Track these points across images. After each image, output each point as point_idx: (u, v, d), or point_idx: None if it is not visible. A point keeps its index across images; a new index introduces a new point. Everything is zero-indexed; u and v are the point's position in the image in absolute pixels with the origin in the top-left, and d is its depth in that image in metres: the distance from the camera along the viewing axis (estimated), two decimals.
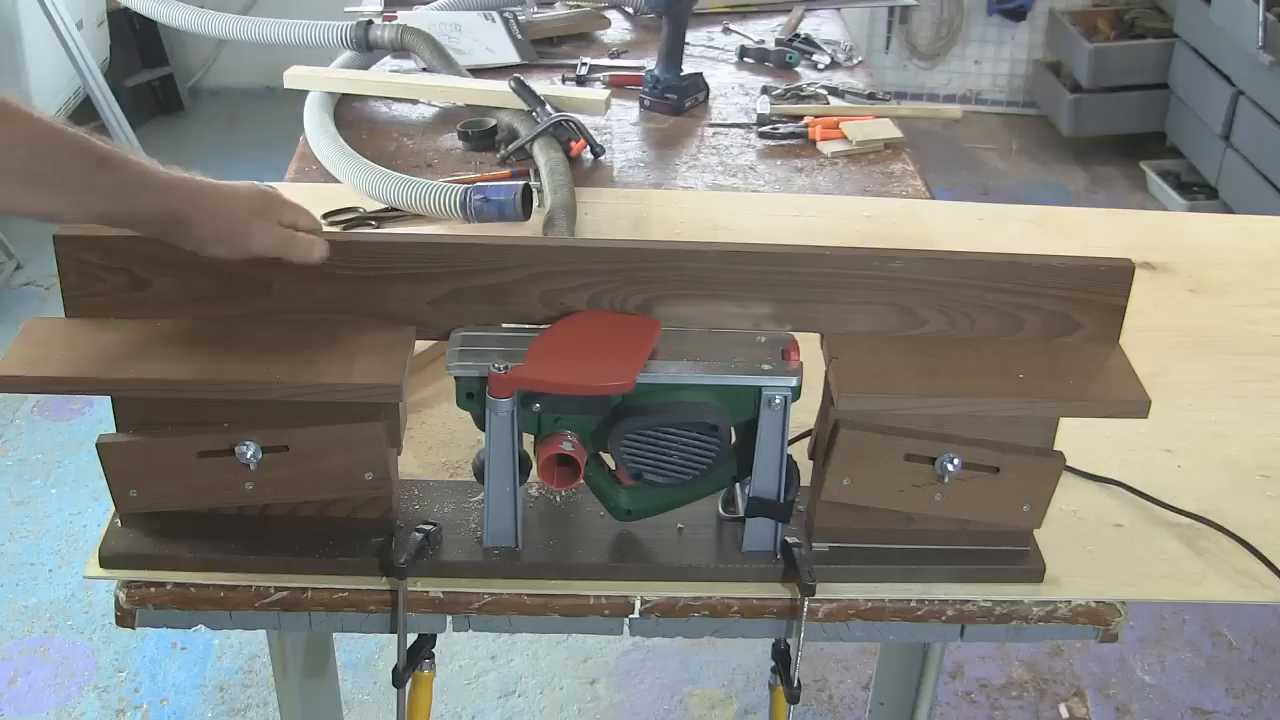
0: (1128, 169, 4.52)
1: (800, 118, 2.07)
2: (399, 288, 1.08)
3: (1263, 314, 1.58)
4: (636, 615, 1.11)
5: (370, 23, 2.11)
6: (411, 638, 1.13)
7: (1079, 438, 1.20)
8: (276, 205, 1.08)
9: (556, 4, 2.50)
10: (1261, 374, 1.46)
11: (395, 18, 2.27)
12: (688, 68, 2.13)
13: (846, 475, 1.08)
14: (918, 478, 1.09)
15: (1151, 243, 1.71)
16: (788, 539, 1.12)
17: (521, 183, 1.66)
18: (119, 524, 1.12)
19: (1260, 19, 3.66)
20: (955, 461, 1.07)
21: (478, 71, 2.13)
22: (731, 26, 2.51)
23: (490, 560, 1.12)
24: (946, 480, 1.08)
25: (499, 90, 1.95)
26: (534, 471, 1.09)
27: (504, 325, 1.10)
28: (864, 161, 1.96)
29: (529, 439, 1.09)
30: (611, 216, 1.73)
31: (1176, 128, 4.42)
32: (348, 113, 2.04)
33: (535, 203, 1.68)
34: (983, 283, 1.09)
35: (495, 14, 2.35)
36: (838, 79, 2.26)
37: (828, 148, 1.98)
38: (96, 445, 1.05)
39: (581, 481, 1.09)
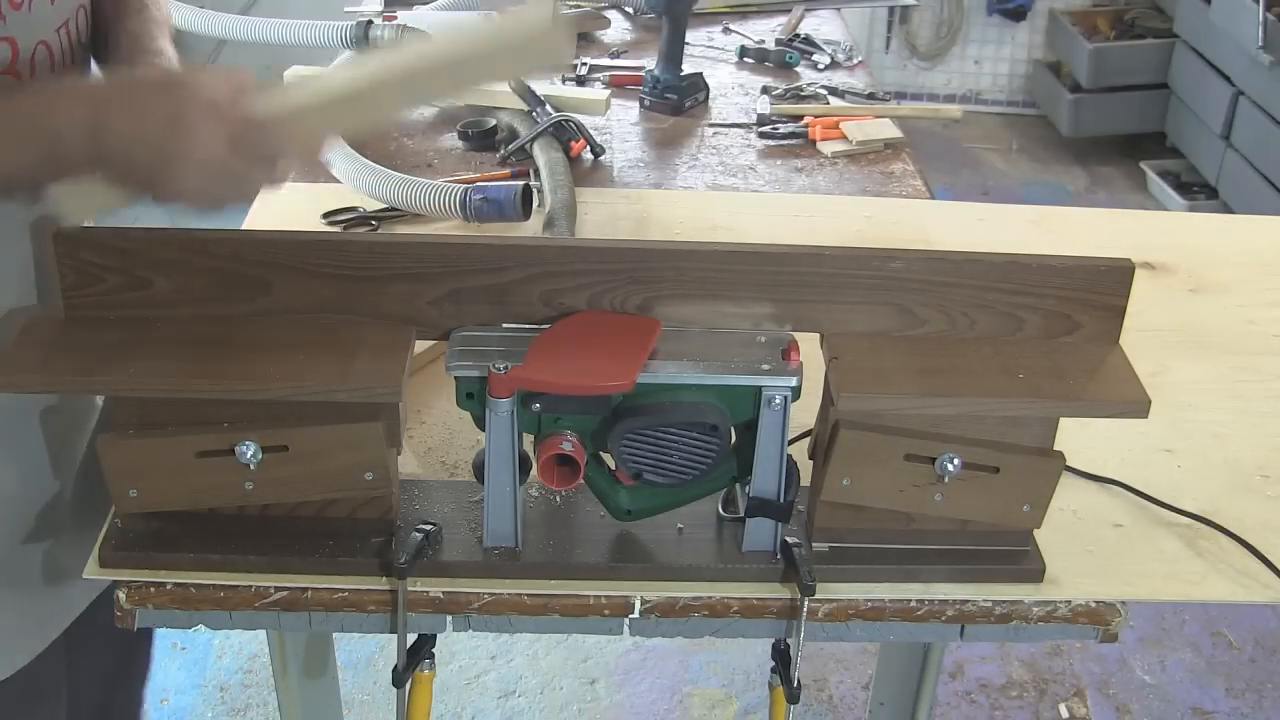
0: (1128, 169, 4.52)
1: (800, 118, 2.07)
2: (399, 288, 1.08)
3: (1263, 314, 1.58)
4: (636, 615, 1.11)
5: (370, 23, 2.10)
6: (411, 638, 1.13)
7: (1079, 438, 1.20)
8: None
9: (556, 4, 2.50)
10: (1261, 374, 1.46)
11: (395, 18, 2.26)
12: (688, 68, 2.13)
13: (846, 475, 1.08)
14: (918, 478, 1.09)
15: (1151, 243, 1.71)
16: (788, 539, 1.12)
17: (521, 183, 1.66)
18: (119, 524, 1.12)
19: (1260, 19, 3.66)
20: (955, 461, 1.07)
21: None
22: (731, 26, 2.51)
23: (490, 560, 1.12)
24: (946, 480, 1.08)
25: (499, 90, 1.95)
26: (534, 471, 1.09)
27: (504, 325, 1.10)
28: (864, 161, 1.96)
29: (529, 439, 1.09)
30: (611, 216, 1.73)
31: (1176, 128, 4.42)
32: None
33: (535, 203, 1.68)
34: (983, 283, 1.09)
35: (495, 14, 2.35)
36: (838, 79, 2.26)
37: (828, 148, 1.98)
38: (96, 445, 1.05)
39: (581, 481, 1.09)
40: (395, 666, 1.12)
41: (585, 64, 2.26)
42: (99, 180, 1.00)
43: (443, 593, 1.10)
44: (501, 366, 1.03)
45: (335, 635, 1.58)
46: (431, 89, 0.99)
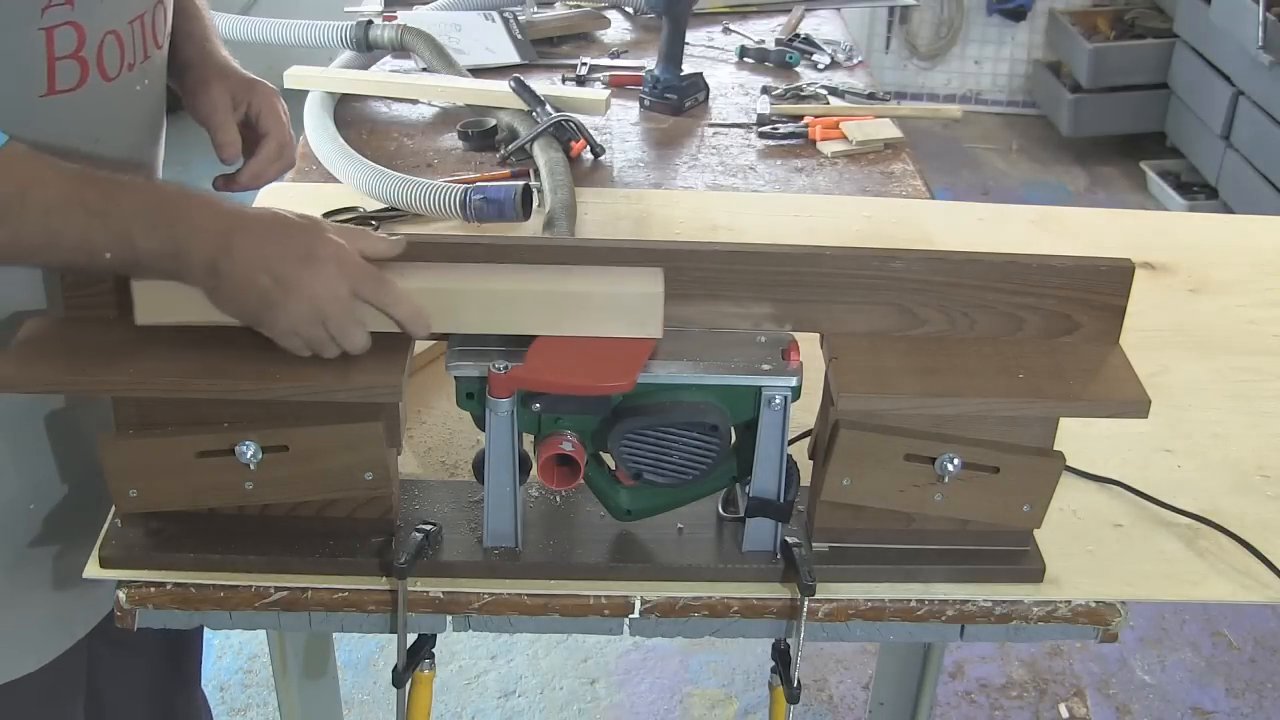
0: (1128, 169, 4.52)
1: (800, 118, 2.07)
2: None
3: (1263, 314, 1.58)
4: (636, 615, 1.11)
5: (370, 23, 2.11)
6: (411, 638, 1.13)
7: (1079, 438, 1.20)
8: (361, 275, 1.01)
9: (556, 4, 2.50)
10: (1261, 374, 1.46)
11: (395, 18, 2.27)
12: (688, 68, 2.13)
13: (846, 475, 1.08)
14: (918, 478, 1.09)
15: (1151, 243, 1.71)
16: (788, 539, 1.12)
17: (521, 183, 1.66)
18: (119, 524, 1.12)
19: (1260, 19, 3.66)
20: (955, 461, 1.07)
21: (478, 71, 2.13)
22: (731, 26, 2.51)
23: (490, 560, 1.12)
24: (946, 480, 1.08)
25: (499, 90, 1.95)
26: (534, 471, 1.09)
27: None
28: (864, 161, 1.96)
29: (529, 439, 1.09)
30: (611, 216, 1.73)
31: (1176, 128, 4.42)
32: (348, 113, 2.04)
33: (535, 203, 1.68)
34: (983, 283, 1.09)
35: (495, 14, 2.35)
36: (838, 79, 2.26)
37: (828, 148, 1.98)
38: (97, 445, 1.05)
39: (581, 481, 1.09)
40: (395, 666, 1.12)
41: (585, 64, 2.26)
42: (197, 292, 1.01)
43: (443, 593, 1.10)
44: (501, 366, 1.03)
45: (335, 635, 1.58)
46: (540, 318, 1.06)
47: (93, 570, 1.10)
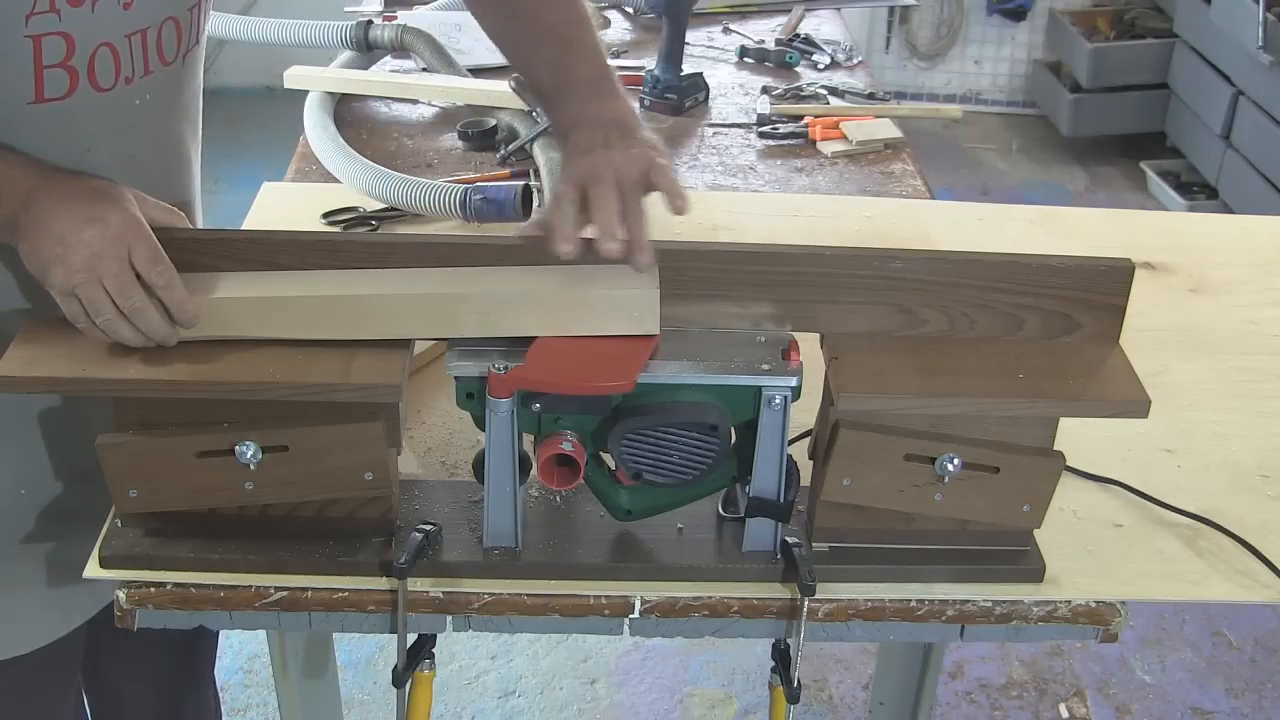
0: (1128, 169, 4.52)
1: (800, 118, 2.07)
2: None
3: (1263, 314, 1.58)
4: (636, 615, 1.11)
5: (370, 23, 2.11)
6: (411, 638, 1.13)
7: (1079, 438, 1.20)
8: (126, 245, 1.00)
9: None
10: (1261, 374, 1.46)
11: (395, 18, 2.26)
12: (688, 68, 2.13)
13: (846, 475, 1.08)
14: (918, 478, 1.09)
15: (1151, 243, 1.71)
16: (788, 539, 1.12)
17: (521, 183, 1.66)
18: (119, 524, 1.12)
19: (1260, 19, 3.66)
20: (955, 461, 1.07)
21: (478, 71, 2.13)
22: (731, 26, 2.51)
23: (490, 560, 1.12)
24: (946, 480, 1.08)
25: (499, 90, 1.95)
26: (534, 471, 1.09)
27: None
28: (864, 161, 1.96)
29: (529, 439, 1.09)
30: None
31: (1176, 128, 4.42)
32: (348, 113, 2.04)
33: (535, 203, 1.68)
34: (983, 283, 1.09)
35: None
36: (838, 79, 2.26)
37: (828, 148, 1.98)
38: (96, 445, 1.05)
39: (581, 481, 1.09)
40: (395, 666, 1.12)
41: None
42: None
43: (443, 593, 1.10)
44: (501, 366, 1.03)
45: (335, 635, 1.58)
46: (535, 318, 1.07)
47: (93, 570, 1.10)
